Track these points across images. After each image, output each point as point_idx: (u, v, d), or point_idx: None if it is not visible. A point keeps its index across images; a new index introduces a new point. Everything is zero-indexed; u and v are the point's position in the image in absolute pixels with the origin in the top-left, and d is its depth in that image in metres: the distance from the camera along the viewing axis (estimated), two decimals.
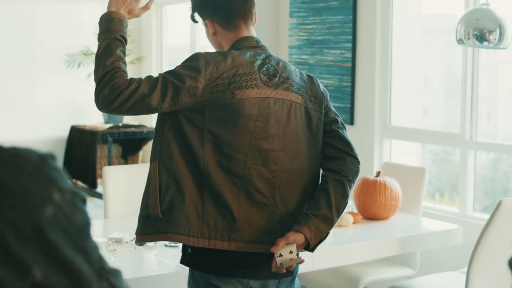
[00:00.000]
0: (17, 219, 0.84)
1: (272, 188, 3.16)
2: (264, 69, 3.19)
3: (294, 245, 3.06)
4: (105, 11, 3.27)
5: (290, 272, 3.24)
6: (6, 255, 0.83)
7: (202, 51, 3.20)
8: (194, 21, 3.42)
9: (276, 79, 3.21)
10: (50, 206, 0.88)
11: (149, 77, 3.09)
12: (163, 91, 3.03)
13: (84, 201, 0.95)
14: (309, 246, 3.15)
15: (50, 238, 0.86)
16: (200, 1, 3.32)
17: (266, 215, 3.15)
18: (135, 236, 3.21)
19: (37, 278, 0.84)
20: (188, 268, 3.27)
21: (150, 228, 3.15)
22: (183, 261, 3.24)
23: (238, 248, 3.11)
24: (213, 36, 3.35)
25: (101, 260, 0.95)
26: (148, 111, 3.08)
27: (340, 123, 3.43)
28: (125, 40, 3.25)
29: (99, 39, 3.20)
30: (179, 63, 3.15)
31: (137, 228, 3.20)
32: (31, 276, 0.84)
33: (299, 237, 3.09)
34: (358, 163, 3.41)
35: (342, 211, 3.26)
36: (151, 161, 3.20)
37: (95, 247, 0.95)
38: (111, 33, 3.18)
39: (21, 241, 0.84)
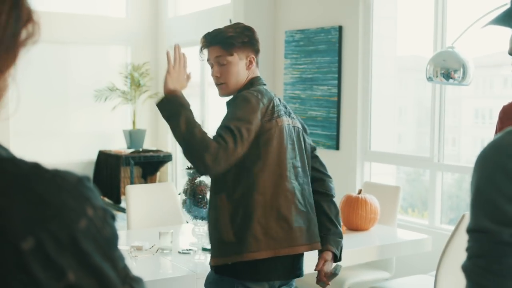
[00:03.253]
0: (55, 229, 0.86)
1: (304, 198, 3.28)
2: (280, 101, 3.31)
3: (332, 263, 3.38)
4: (164, 92, 3.15)
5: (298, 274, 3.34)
6: (45, 259, 0.84)
7: (246, 93, 3.21)
8: (230, 54, 3.32)
9: (286, 109, 3.33)
10: (84, 219, 0.89)
11: (226, 132, 3.05)
12: (242, 138, 3.05)
13: (113, 217, 0.96)
14: (337, 258, 3.39)
15: (83, 246, 0.87)
16: (255, 40, 3.36)
17: (306, 221, 3.27)
18: (154, 244, 3.22)
19: (71, 280, 0.85)
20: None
21: (224, 251, 3.18)
22: (219, 271, 3.25)
23: (295, 251, 3.23)
24: (246, 69, 3.35)
25: (125, 268, 0.96)
26: (237, 158, 3.09)
27: (316, 150, 3.59)
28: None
29: (173, 116, 3.08)
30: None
31: (212, 251, 3.24)
32: (65, 278, 0.85)
33: (328, 255, 3.36)
34: (333, 181, 3.57)
35: (340, 220, 3.49)
36: (217, 193, 3.21)
37: (121, 257, 0.96)
38: (183, 107, 3.08)
39: (58, 248, 0.85)
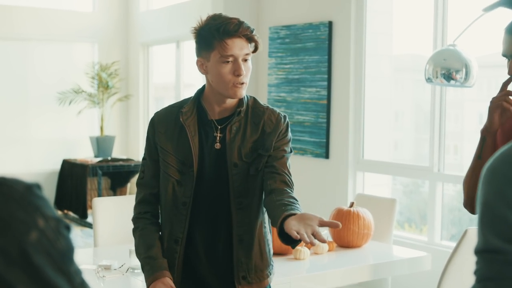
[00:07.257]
0: (3, 243, 0.86)
1: None
2: None
3: None
4: None
5: None
6: None
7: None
8: (253, 52, 3.20)
9: None
10: (35, 232, 0.89)
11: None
12: None
13: (68, 228, 0.96)
14: None
15: (34, 261, 0.88)
16: None
17: None
18: (124, 263, 3.22)
19: None
20: None
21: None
22: None
23: None
24: None
25: (83, 284, 0.97)
26: None
27: None
28: None
29: None
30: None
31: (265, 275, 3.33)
32: None
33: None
34: None
35: None
36: (259, 217, 3.26)
37: (78, 271, 0.96)
38: None
39: (7, 263, 0.86)
